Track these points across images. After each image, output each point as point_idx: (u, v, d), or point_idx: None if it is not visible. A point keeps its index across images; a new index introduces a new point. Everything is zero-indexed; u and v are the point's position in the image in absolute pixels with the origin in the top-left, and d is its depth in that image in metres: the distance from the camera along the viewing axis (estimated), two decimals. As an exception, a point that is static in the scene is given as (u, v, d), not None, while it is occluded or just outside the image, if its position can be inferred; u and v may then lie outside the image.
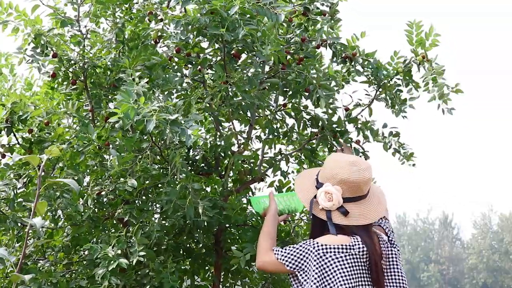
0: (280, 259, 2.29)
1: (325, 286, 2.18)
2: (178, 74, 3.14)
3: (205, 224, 3.15)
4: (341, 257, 2.21)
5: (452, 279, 47.01)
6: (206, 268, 3.47)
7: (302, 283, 2.23)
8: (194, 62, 3.17)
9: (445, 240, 49.01)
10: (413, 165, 3.47)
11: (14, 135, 3.14)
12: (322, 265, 2.20)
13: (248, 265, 3.46)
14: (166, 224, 3.23)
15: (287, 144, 3.69)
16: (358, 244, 2.24)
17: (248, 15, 2.80)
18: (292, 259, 2.27)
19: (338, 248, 2.22)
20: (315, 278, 2.19)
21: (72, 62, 3.08)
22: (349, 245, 2.23)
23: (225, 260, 3.30)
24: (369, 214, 2.31)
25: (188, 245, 3.41)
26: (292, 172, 3.78)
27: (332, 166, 2.33)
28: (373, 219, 2.32)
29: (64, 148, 2.95)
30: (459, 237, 51.59)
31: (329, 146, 3.43)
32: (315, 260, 2.21)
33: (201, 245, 3.40)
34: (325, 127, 3.33)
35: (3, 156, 3.18)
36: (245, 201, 3.44)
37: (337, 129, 3.33)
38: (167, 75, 2.97)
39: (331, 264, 2.20)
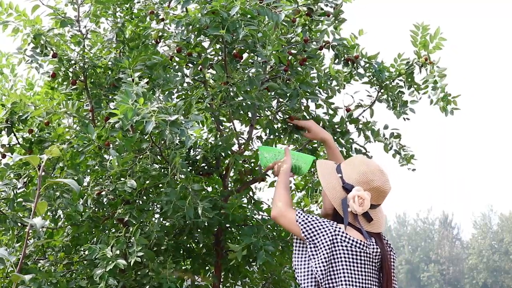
0: (299, 222, 2.27)
1: (331, 270, 2.20)
2: (179, 74, 3.13)
3: (206, 224, 3.15)
4: (356, 251, 2.23)
5: (452, 279, 47.01)
6: (206, 268, 3.47)
7: (310, 255, 2.22)
8: (195, 62, 3.16)
9: (445, 240, 49.00)
10: (413, 170, 3.47)
11: (15, 135, 3.13)
12: (334, 248, 2.21)
13: (248, 265, 3.46)
14: (166, 224, 3.22)
15: (288, 144, 3.67)
16: (373, 245, 2.27)
17: (249, 16, 2.79)
18: (310, 228, 2.25)
19: (356, 242, 2.23)
20: (324, 258, 2.19)
21: (72, 62, 3.08)
22: (366, 243, 2.26)
23: (225, 260, 3.30)
24: (382, 220, 2.36)
25: (188, 245, 3.41)
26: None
27: (365, 171, 2.32)
28: (384, 226, 2.38)
29: (64, 148, 2.95)
30: (459, 237, 51.60)
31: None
32: (329, 240, 2.21)
33: (201, 245, 3.39)
34: (326, 127, 3.32)
35: (3, 156, 3.18)
36: (245, 201, 3.42)
37: (338, 129, 3.33)
38: (168, 75, 2.96)
39: (343, 252, 2.21)
